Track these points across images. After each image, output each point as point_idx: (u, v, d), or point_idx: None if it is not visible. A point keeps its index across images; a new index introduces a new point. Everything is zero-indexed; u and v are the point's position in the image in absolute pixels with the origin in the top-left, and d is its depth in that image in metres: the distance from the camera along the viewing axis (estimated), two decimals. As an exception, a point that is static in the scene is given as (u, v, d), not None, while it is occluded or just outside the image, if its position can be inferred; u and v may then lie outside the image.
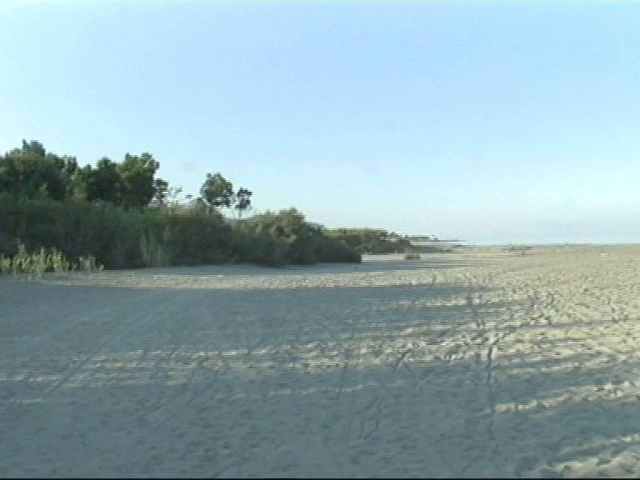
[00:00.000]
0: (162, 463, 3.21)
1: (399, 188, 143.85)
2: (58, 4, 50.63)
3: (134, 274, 17.09)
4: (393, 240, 71.52)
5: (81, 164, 28.28)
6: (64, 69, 74.69)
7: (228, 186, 36.12)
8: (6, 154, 23.73)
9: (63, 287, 13.44)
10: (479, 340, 6.57)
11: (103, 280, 14.99)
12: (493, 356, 5.74)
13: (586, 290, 11.23)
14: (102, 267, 16.77)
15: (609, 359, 5.43)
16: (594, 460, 3.06)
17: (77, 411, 4.18)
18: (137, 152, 30.17)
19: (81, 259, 16.34)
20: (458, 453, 3.24)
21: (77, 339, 7.00)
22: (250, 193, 37.39)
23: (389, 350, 6.14)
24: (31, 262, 14.48)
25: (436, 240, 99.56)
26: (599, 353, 5.69)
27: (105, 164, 28.74)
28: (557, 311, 8.63)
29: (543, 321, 7.79)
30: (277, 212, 31.92)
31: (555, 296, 10.44)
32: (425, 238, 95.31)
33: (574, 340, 6.39)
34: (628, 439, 3.34)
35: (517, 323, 7.66)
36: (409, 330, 7.35)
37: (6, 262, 14.19)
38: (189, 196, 31.53)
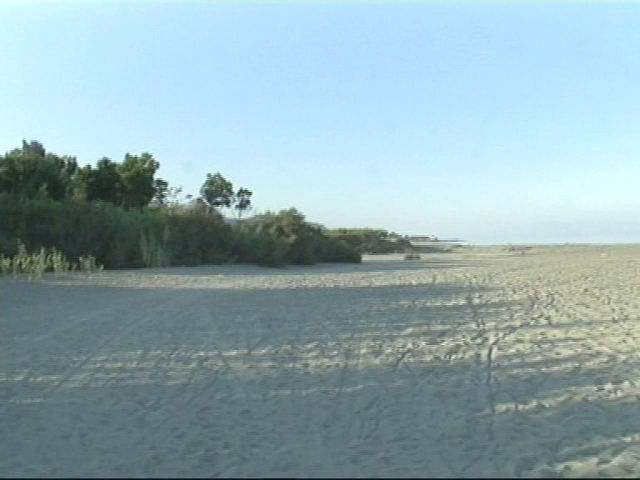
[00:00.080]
0: (162, 463, 3.21)
1: (399, 188, 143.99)
2: (58, 4, 50.66)
3: (134, 274, 17.09)
4: (393, 240, 71.52)
5: (81, 164, 28.34)
6: (64, 69, 74.74)
7: (228, 186, 36.12)
8: (6, 154, 23.74)
9: (63, 287, 13.44)
10: (479, 340, 6.57)
11: (103, 280, 14.99)
12: (493, 356, 5.74)
13: (586, 290, 11.23)
14: (102, 267, 16.77)
15: (609, 359, 5.43)
16: (594, 460, 3.06)
17: (77, 411, 4.18)
18: (137, 152, 30.23)
19: (81, 259, 16.34)
20: (458, 453, 3.24)
21: (77, 339, 7.00)
22: (250, 193, 37.44)
23: (389, 350, 6.14)
24: (31, 262, 14.48)
25: (436, 240, 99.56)
26: (599, 353, 5.69)
27: (105, 164, 28.74)
28: (557, 311, 8.63)
29: (543, 321, 7.79)
30: (277, 212, 31.96)
31: (555, 296, 10.44)
32: (425, 238, 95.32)
33: (574, 340, 6.39)
34: (628, 439, 3.34)
35: (517, 323, 7.66)
36: (409, 330, 7.35)
37: (6, 262, 14.19)
38: (189, 196, 31.58)
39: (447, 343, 6.46)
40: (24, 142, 26.62)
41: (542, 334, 6.80)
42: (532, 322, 7.72)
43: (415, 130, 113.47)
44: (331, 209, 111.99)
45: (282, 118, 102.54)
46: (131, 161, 29.61)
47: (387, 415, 3.97)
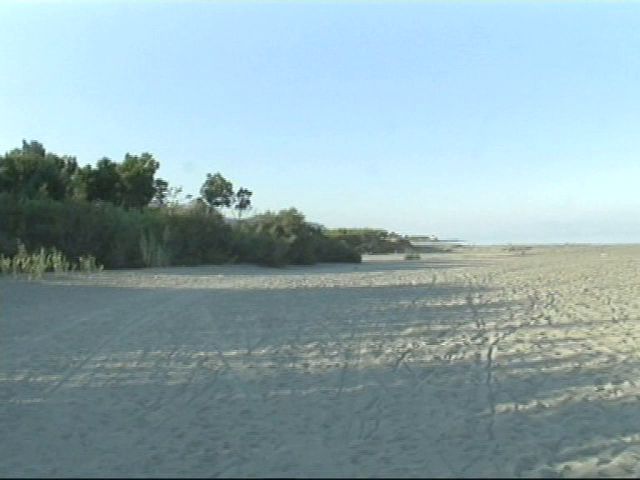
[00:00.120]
0: (162, 463, 3.21)
1: (399, 188, 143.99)
2: (58, 4, 50.66)
3: (134, 274, 17.09)
4: (393, 240, 71.52)
5: (81, 164, 28.34)
6: (64, 69, 74.75)
7: (228, 186, 36.12)
8: (6, 154, 23.74)
9: (63, 287, 13.44)
10: (479, 340, 6.57)
11: (103, 280, 14.99)
12: (493, 356, 5.74)
13: (586, 290, 11.23)
14: (102, 267, 16.77)
15: (609, 359, 5.43)
16: (594, 460, 3.06)
17: (77, 411, 4.18)
18: (137, 152, 30.23)
19: (81, 259, 16.34)
20: (458, 453, 3.24)
21: (77, 339, 7.00)
22: (250, 193, 37.44)
23: (389, 350, 6.14)
24: (31, 262, 14.48)
25: (436, 240, 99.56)
26: (599, 353, 5.69)
27: (105, 164, 28.74)
28: (557, 311, 8.63)
29: (543, 321, 7.79)
30: (277, 212, 31.96)
31: (555, 296, 10.44)
32: (425, 238, 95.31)
33: (574, 340, 6.39)
34: (628, 439, 3.34)
35: (517, 323, 7.66)
36: (409, 330, 7.35)
37: (6, 262, 14.19)
38: (189, 196, 31.58)
39: (447, 343, 6.46)
40: (24, 142, 26.65)
41: (542, 334, 6.80)
42: (532, 322, 7.72)
43: (415, 130, 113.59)
44: (331, 209, 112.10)
45: (282, 118, 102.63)
46: (131, 161, 29.61)
47: (387, 415, 3.97)
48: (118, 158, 29.79)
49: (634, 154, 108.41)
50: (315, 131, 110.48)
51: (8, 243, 15.14)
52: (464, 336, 6.84)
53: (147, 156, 29.95)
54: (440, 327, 7.51)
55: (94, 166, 28.49)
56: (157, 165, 30.15)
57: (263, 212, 32.41)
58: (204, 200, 33.71)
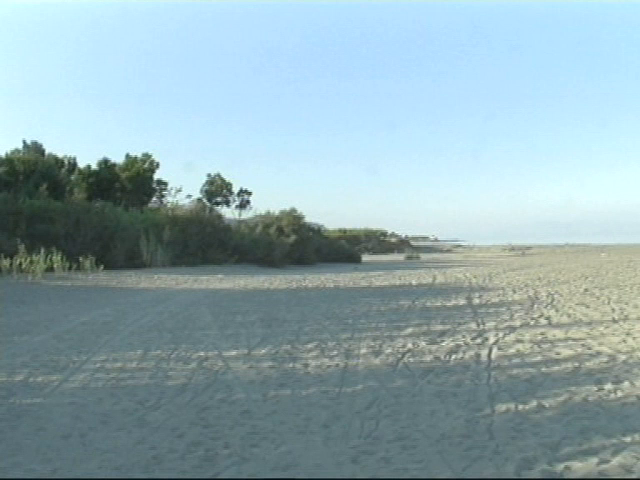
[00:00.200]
0: (162, 463, 3.21)
1: (399, 188, 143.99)
2: (58, 4, 50.66)
3: (134, 274, 17.09)
4: (393, 240, 71.51)
5: (81, 164, 28.34)
6: (64, 69, 74.76)
7: (228, 186, 36.13)
8: (6, 154, 23.74)
9: (63, 287, 13.44)
10: (479, 340, 6.57)
11: (103, 280, 14.99)
12: (493, 356, 5.74)
13: (586, 290, 11.23)
14: (102, 267, 16.77)
15: (609, 359, 5.43)
16: (594, 460, 3.06)
17: (77, 411, 4.18)
18: (137, 152, 30.23)
19: (81, 259, 16.34)
20: (458, 453, 3.24)
21: (77, 339, 7.00)
22: (250, 193, 37.45)
23: (389, 350, 6.14)
24: (31, 262, 14.48)
25: (436, 240, 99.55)
26: (599, 353, 5.69)
27: (105, 164, 28.74)
28: (557, 311, 8.63)
29: (543, 321, 7.79)
30: (277, 212, 31.97)
31: (555, 296, 10.44)
32: (425, 238, 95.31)
33: (574, 340, 6.39)
34: (628, 439, 3.34)
35: (517, 323, 7.66)
36: (409, 330, 7.35)
37: (6, 262, 14.19)
38: (189, 196, 31.59)
39: (447, 343, 6.46)
40: (24, 142, 26.65)
41: (542, 334, 6.80)
42: (532, 322, 7.72)
43: (415, 130, 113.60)
44: (331, 209, 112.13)
45: (282, 118, 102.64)
46: (131, 161, 29.61)
47: (387, 415, 3.97)
48: (118, 158, 29.85)
49: (634, 154, 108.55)
50: (315, 131, 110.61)
51: (8, 243, 15.15)
52: (464, 336, 6.84)
53: (147, 156, 29.95)
54: (440, 327, 7.51)
55: (94, 166, 28.50)
56: (157, 165, 30.17)
57: (263, 212, 32.46)
58: (204, 200, 33.72)
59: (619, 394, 4.28)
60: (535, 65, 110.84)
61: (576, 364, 5.26)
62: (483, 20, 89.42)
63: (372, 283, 14.74)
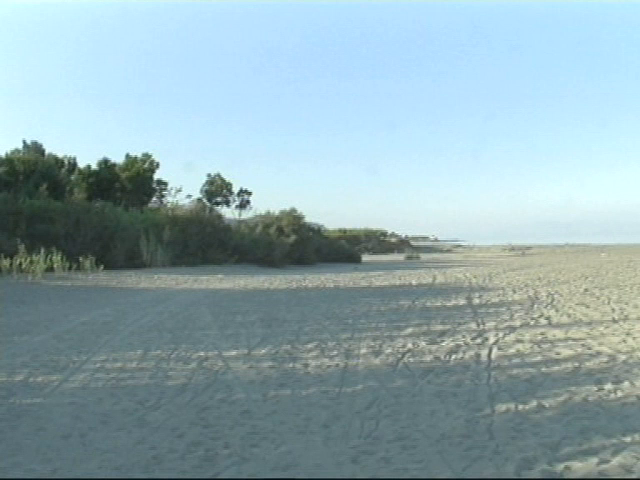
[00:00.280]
0: (162, 463, 3.21)
1: (399, 188, 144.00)
2: (58, 4, 50.66)
3: (134, 274, 17.09)
4: (393, 240, 71.51)
5: (81, 164, 28.34)
6: (64, 69, 74.76)
7: (228, 186, 36.13)
8: (6, 154, 23.74)
9: (63, 287, 13.44)
10: (479, 340, 6.57)
11: (103, 280, 14.99)
12: (493, 356, 5.74)
13: (586, 290, 11.23)
14: (102, 267, 16.77)
15: (609, 359, 5.43)
16: (594, 460, 3.06)
17: (77, 411, 4.18)
18: (137, 152, 30.23)
19: (81, 259, 16.34)
20: (458, 453, 3.24)
21: (77, 339, 7.00)
22: (250, 193, 37.44)
23: (389, 350, 6.14)
24: (31, 262, 14.48)
25: (436, 240, 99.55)
26: (599, 353, 5.69)
27: (105, 164, 28.74)
28: (557, 311, 8.63)
29: (543, 321, 7.79)
30: (277, 212, 31.97)
31: (555, 296, 10.44)
32: (425, 238, 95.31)
33: (574, 340, 6.39)
34: (628, 439, 3.34)
35: (517, 323, 7.66)
36: (409, 330, 7.35)
37: (6, 262, 14.19)
38: (189, 196, 31.59)
39: (447, 343, 6.46)
40: (24, 142, 26.65)
41: (542, 334, 6.80)
42: (532, 322, 7.72)
43: (415, 130, 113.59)
44: (331, 209, 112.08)
45: (282, 118, 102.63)
46: (131, 161, 29.61)
47: (387, 415, 3.97)
48: (118, 158, 29.85)
49: (634, 154, 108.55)
50: (315, 131, 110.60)
51: (8, 243, 15.14)
52: (464, 336, 6.84)
53: (147, 156, 29.95)
54: (440, 327, 7.51)
55: (94, 166, 28.50)
56: (157, 165, 30.17)
57: (263, 212, 32.46)
58: (204, 200, 33.72)
59: (619, 394, 4.28)
60: (535, 65, 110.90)
61: (576, 364, 5.26)
62: (483, 20, 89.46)
63: (372, 283, 14.74)
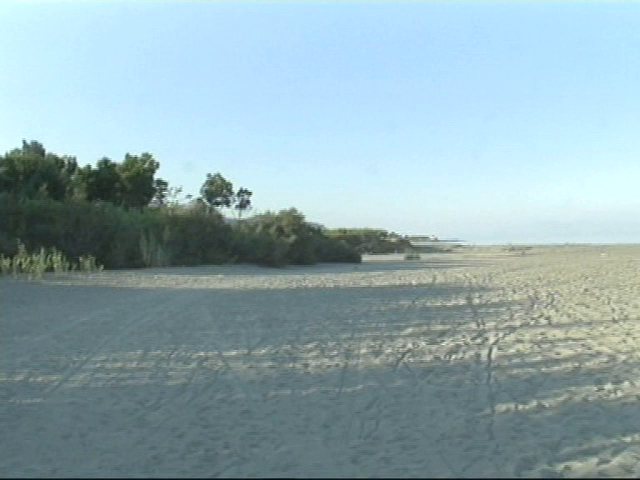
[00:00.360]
0: (162, 463, 3.21)
1: (399, 188, 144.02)
2: (58, 4, 50.66)
3: (134, 274, 17.09)
4: (393, 240, 71.51)
5: (81, 164, 28.34)
6: (64, 69, 74.76)
7: (228, 186, 36.13)
8: (6, 154, 23.74)
9: (63, 287, 13.44)
10: (479, 340, 6.57)
11: (103, 280, 14.99)
12: (493, 356, 5.74)
13: (586, 290, 11.23)
14: (102, 267, 16.77)
15: (609, 359, 5.43)
16: (594, 460, 3.06)
17: (77, 411, 4.18)
18: (137, 152, 30.23)
19: (81, 259, 16.34)
20: (458, 453, 3.24)
21: (77, 339, 7.00)
22: (250, 193, 37.45)
23: (389, 350, 6.14)
24: (31, 262, 14.48)
25: (436, 240, 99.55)
26: (599, 353, 5.69)
27: (105, 164, 28.74)
28: (557, 311, 8.63)
29: (543, 321, 7.79)
30: (277, 212, 31.97)
31: (555, 296, 10.44)
32: (425, 238, 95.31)
33: (574, 340, 6.39)
34: (628, 439, 3.34)
35: (517, 323, 7.66)
36: (409, 330, 7.35)
37: (6, 262, 14.19)
38: (189, 196, 31.59)
39: (447, 343, 6.46)
40: (24, 142, 26.65)
41: (542, 334, 6.80)
42: (532, 322, 7.72)
43: (415, 130, 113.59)
44: (331, 209, 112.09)
45: (282, 118, 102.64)
46: (131, 161, 29.61)
47: (387, 415, 3.97)
48: (118, 158, 29.85)
49: (634, 154, 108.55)
50: (315, 131, 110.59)
51: (8, 243, 15.14)
52: (464, 336, 6.84)
53: (147, 156, 29.95)
54: (440, 327, 7.51)
55: (94, 166, 28.50)
56: (157, 165, 30.17)
57: (263, 212, 32.46)
58: (204, 200, 33.72)
59: (619, 394, 4.28)
60: (535, 65, 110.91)
61: (576, 364, 5.26)
62: (483, 20, 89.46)
63: (372, 283, 14.74)
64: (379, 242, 65.95)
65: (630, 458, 3.07)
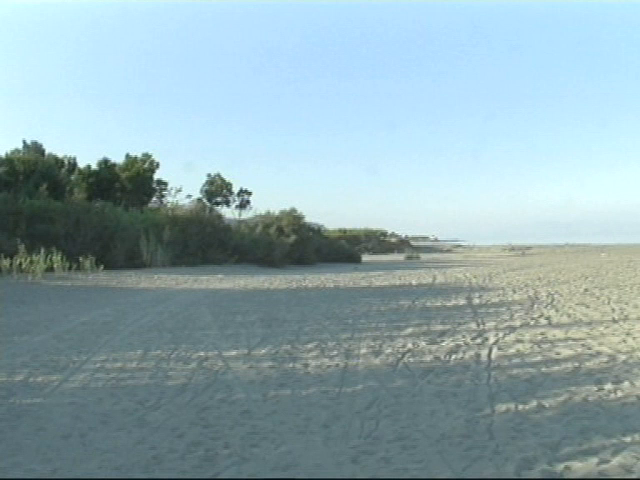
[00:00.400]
0: (162, 463, 3.21)
1: (399, 188, 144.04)
2: (58, 4, 50.66)
3: (134, 274, 17.09)
4: (393, 240, 71.50)
5: (81, 164, 28.34)
6: (64, 69, 74.77)
7: (228, 186, 36.12)
8: (6, 154, 23.73)
9: (63, 287, 13.44)
10: (479, 340, 6.57)
11: (103, 280, 14.99)
12: (493, 356, 5.74)
13: (586, 290, 11.23)
14: (102, 267, 16.77)
15: (609, 359, 5.43)
16: (594, 460, 3.06)
17: (77, 411, 4.18)
18: (137, 152, 30.23)
19: (81, 259, 16.34)
20: (458, 453, 3.24)
21: (77, 339, 7.00)
22: (250, 193, 37.45)
23: (389, 350, 6.14)
24: (31, 262, 14.48)
25: (436, 240, 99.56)
26: (599, 353, 5.69)
27: (105, 164, 28.74)
28: (557, 311, 8.63)
29: (543, 321, 7.79)
30: (277, 212, 31.96)
31: (555, 296, 10.44)
32: (425, 238, 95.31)
33: (574, 340, 6.39)
34: (628, 439, 3.34)
35: (517, 323, 7.66)
36: (409, 330, 7.35)
37: (6, 262, 14.18)
38: (189, 196, 31.59)
39: (447, 343, 6.46)
40: (24, 142, 26.64)
41: (542, 334, 6.80)
42: (532, 322, 7.72)
43: (415, 130, 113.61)
44: (331, 209, 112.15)
45: (282, 118, 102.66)
46: (131, 161, 29.61)
47: (387, 415, 3.97)
48: (118, 158, 29.85)
49: (634, 154, 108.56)
50: (315, 131, 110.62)
51: (8, 243, 15.14)
52: (464, 336, 6.84)
53: (147, 156, 29.95)
54: (440, 327, 7.51)
55: (94, 166, 28.50)
56: (157, 165, 30.17)
57: (263, 212, 32.46)
58: (204, 200, 33.72)
59: (619, 394, 4.28)
60: (535, 65, 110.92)
61: (576, 364, 5.26)
62: (483, 20, 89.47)
63: (372, 283, 14.74)
64: (379, 242, 65.94)
65: (630, 458, 3.07)
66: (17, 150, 25.53)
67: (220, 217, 28.23)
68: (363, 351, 6.13)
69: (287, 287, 13.94)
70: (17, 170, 22.06)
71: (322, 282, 15.17)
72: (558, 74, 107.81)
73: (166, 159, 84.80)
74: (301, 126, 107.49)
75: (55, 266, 15.28)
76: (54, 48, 71.98)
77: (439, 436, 3.52)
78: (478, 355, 5.81)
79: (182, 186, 31.70)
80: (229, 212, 35.25)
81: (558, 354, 5.72)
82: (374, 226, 70.00)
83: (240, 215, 36.17)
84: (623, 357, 5.48)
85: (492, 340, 6.52)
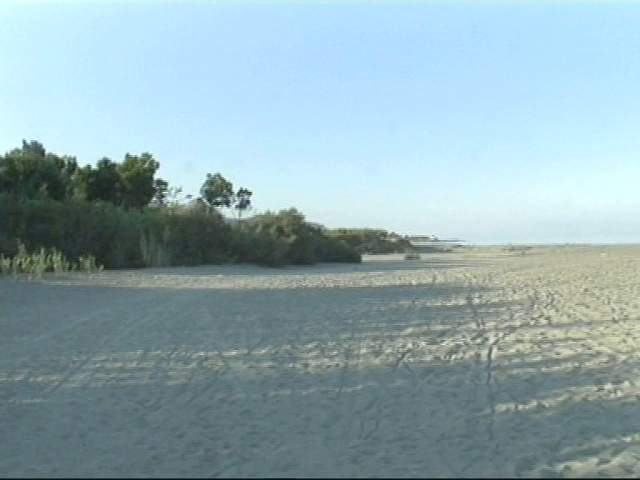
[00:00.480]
0: (162, 463, 3.21)
1: (399, 188, 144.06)
2: (58, 4, 50.67)
3: (134, 274, 17.09)
4: (393, 240, 71.50)
5: (81, 164, 28.34)
6: (64, 69, 74.76)
7: (228, 186, 36.12)
8: (6, 154, 23.73)
9: (63, 287, 13.44)
10: (479, 340, 6.57)
11: (103, 280, 14.99)
12: (493, 356, 5.74)
13: (586, 290, 11.23)
14: (102, 267, 16.77)
15: (609, 359, 5.43)
16: (594, 460, 3.06)
17: (77, 411, 4.18)
18: (137, 152, 30.23)
19: (81, 259, 16.34)
20: (458, 453, 3.24)
21: (77, 339, 7.00)
22: (250, 193, 37.45)
23: (389, 350, 6.14)
24: (31, 262, 14.48)
25: (436, 240, 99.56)
26: (599, 353, 5.69)
27: (105, 164, 28.74)
28: (557, 311, 8.63)
29: (543, 321, 7.79)
30: (277, 212, 31.96)
31: (555, 296, 10.44)
32: (425, 238, 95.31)
33: (574, 340, 6.39)
34: (628, 439, 3.34)
35: (517, 323, 7.66)
36: (409, 330, 7.35)
37: (6, 262, 14.19)
38: (189, 196, 31.59)
39: (447, 343, 6.46)
40: (24, 142, 26.64)
41: (542, 334, 6.80)
42: (532, 322, 7.72)
43: (415, 130, 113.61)
44: (331, 209, 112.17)
45: (282, 118, 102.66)
46: (131, 161, 29.61)
47: (387, 415, 3.97)
48: (118, 158, 29.85)
49: (634, 154, 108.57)
50: (315, 131, 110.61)
51: (8, 243, 15.14)
52: (464, 336, 6.84)
53: (147, 156, 29.95)
54: (440, 327, 7.51)
55: (94, 166, 28.50)
56: (157, 165, 30.17)
57: (263, 212, 32.46)
58: (204, 200, 33.72)
59: (619, 394, 4.28)
60: (535, 65, 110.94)
61: (576, 364, 5.26)
62: (483, 20, 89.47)
63: (372, 283, 14.74)
64: (379, 242, 65.94)
65: (630, 458, 3.07)
66: (17, 150, 25.54)
67: (220, 217, 28.23)
68: (363, 351, 6.13)
69: (287, 287, 13.94)
70: (17, 170, 22.06)
71: (322, 282, 15.17)
72: (558, 74, 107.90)
73: (166, 159, 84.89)
74: (301, 126, 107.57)
75: (55, 266, 15.28)
76: (54, 48, 72.03)
77: (439, 436, 3.52)
78: (478, 355, 5.81)
79: (182, 186, 31.76)
80: (229, 212, 35.31)
81: (558, 354, 5.72)
82: (374, 226, 70.10)
83: (240, 215, 36.21)
84: (623, 357, 5.48)
85: (492, 340, 6.52)
